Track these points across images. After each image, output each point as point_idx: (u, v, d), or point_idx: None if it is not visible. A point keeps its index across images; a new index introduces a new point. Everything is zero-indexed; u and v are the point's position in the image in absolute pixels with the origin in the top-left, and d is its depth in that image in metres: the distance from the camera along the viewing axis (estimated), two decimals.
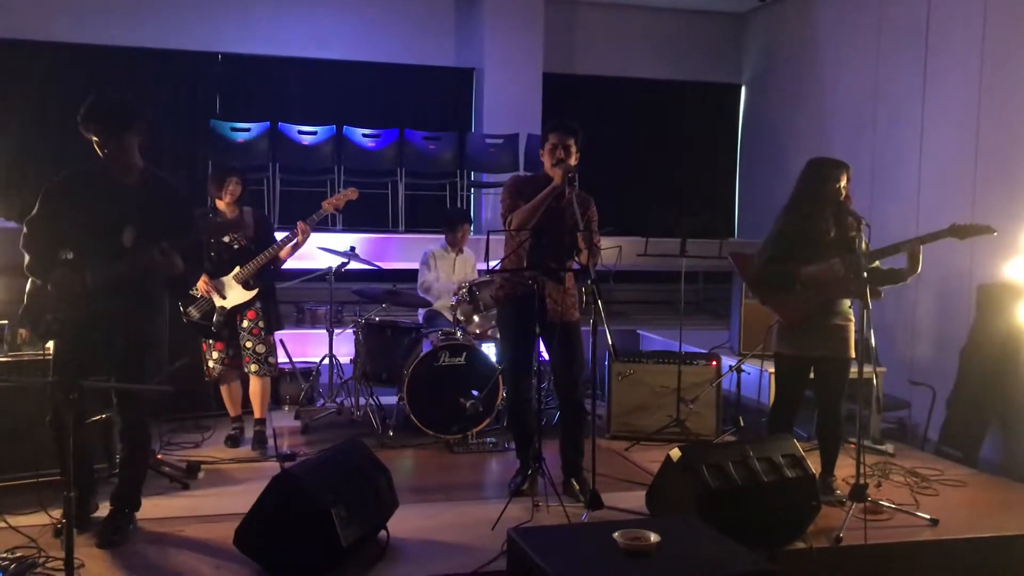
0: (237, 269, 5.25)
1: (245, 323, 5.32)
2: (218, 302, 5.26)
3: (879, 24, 7.35)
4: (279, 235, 5.39)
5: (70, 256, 3.69)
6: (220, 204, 5.29)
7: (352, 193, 5.53)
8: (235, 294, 5.27)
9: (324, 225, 7.85)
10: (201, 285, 5.22)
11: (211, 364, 5.36)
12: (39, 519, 3.93)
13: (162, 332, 4.03)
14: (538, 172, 4.65)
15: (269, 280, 5.43)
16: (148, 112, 3.91)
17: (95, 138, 3.70)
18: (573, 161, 4.43)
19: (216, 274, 5.25)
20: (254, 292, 5.29)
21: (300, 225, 5.27)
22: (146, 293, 3.87)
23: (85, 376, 3.61)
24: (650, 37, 9.54)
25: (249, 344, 5.33)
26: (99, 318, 3.74)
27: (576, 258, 4.42)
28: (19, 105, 7.75)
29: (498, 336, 5.82)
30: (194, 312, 5.29)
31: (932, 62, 6.72)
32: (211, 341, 5.33)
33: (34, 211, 3.77)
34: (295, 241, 5.28)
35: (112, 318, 3.75)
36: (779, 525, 3.91)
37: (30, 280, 3.79)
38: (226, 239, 5.29)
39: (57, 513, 3.91)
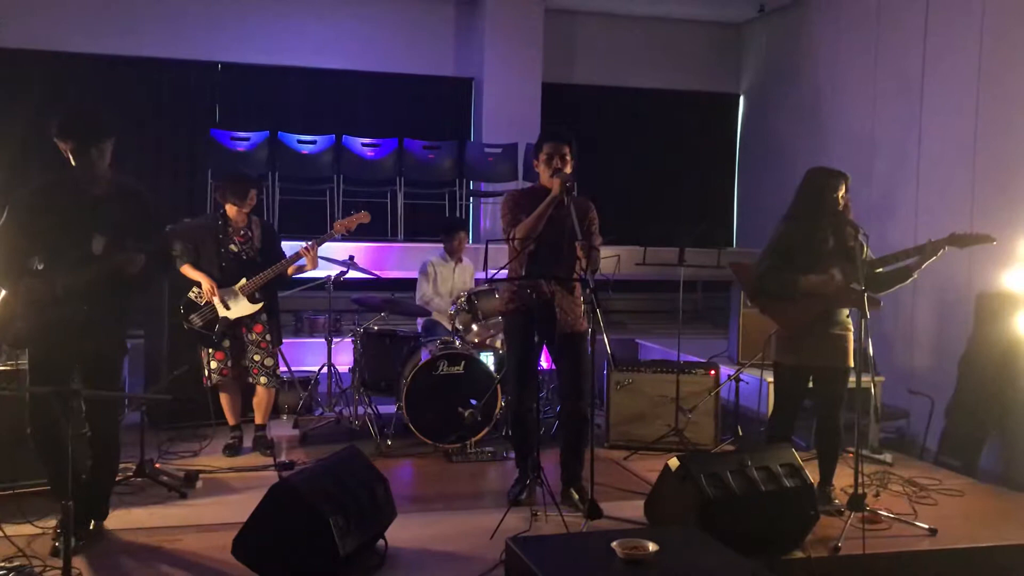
0: (243, 281, 5.25)
1: (253, 336, 5.32)
2: (221, 312, 5.25)
3: (877, 33, 7.38)
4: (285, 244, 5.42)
5: (40, 267, 3.70)
6: (231, 211, 5.28)
7: (364, 216, 5.53)
8: (240, 306, 5.26)
9: (322, 234, 7.87)
10: (208, 292, 5.21)
11: (209, 373, 5.35)
12: (31, 529, 3.93)
13: (125, 340, 4.05)
14: (535, 184, 4.66)
15: (273, 294, 5.43)
16: (119, 122, 3.93)
17: (70, 148, 3.71)
18: (568, 169, 4.43)
19: (222, 283, 5.24)
20: (259, 306, 5.30)
21: (311, 247, 5.28)
22: (114, 301, 3.86)
23: (61, 384, 3.63)
24: (648, 47, 9.58)
25: (258, 357, 5.33)
26: (69, 325, 3.73)
27: (575, 267, 4.43)
28: (18, 114, 7.76)
29: (498, 345, 5.85)
30: (196, 320, 5.29)
31: (930, 72, 6.75)
32: (210, 350, 5.32)
33: (2, 221, 3.76)
34: (302, 262, 5.29)
35: (81, 326, 3.75)
36: (777, 534, 3.91)
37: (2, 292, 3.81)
38: (234, 248, 5.29)
39: (44, 524, 3.93)
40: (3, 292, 3.82)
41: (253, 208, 5.38)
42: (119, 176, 3.91)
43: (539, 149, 4.51)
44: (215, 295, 5.21)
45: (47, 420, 3.74)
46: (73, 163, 3.74)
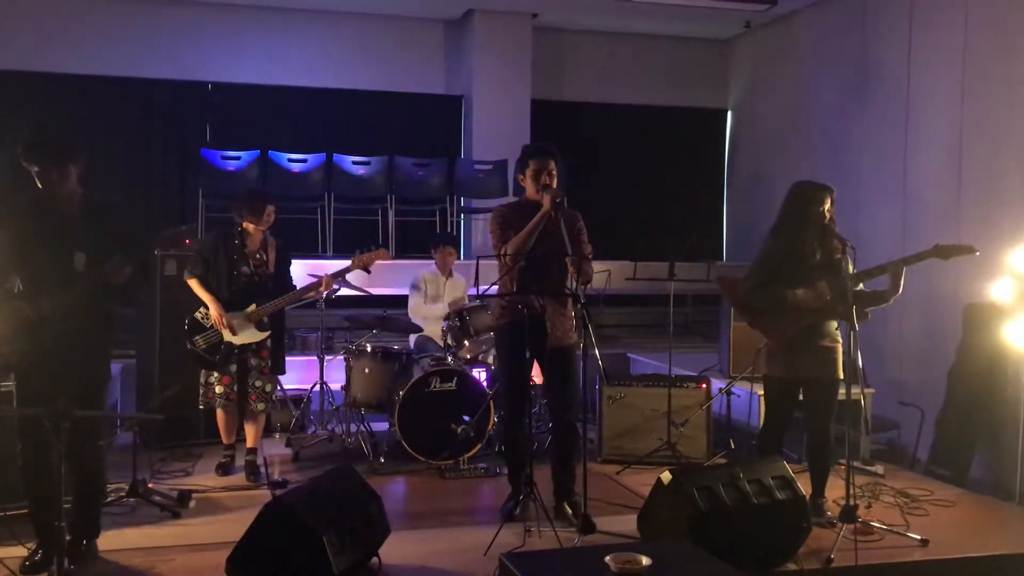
0: (253, 307, 5.19)
1: (255, 361, 5.27)
2: (227, 336, 5.18)
3: (863, 48, 7.46)
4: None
5: (20, 288, 3.71)
6: (249, 228, 5.24)
7: (384, 255, 5.50)
8: (247, 333, 5.20)
9: (314, 252, 7.89)
10: (216, 319, 5.14)
11: (212, 395, 5.27)
12: (23, 551, 3.90)
13: (109, 364, 4.06)
14: (520, 198, 4.68)
15: (281, 320, 5.42)
16: (84, 144, 3.93)
17: (35, 171, 3.73)
18: (555, 183, 4.46)
19: (231, 307, 5.17)
20: (266, 333, 5.24)
21: (328, 279, 5.32)
22: (99, 319, 3.87)
23: (57, 402, 3.63)
24: (637, 63, 9.65)
25: (259, 383, 5.29)
26: (57, 346, 3.73)
27: (567, 281, 4.45)
28: (9, 136, 7.76)
29: (490, 361, 5.86)
30: (201, 342, 5.23)
31: (915, 85, 6.82)
32: (217, 374, 5.24)
33: None
34: (318, 292, 5.34)
35: (68, 345, 3.75)
36: (770, 547, 3.92)
37: None
38: (247, 271, 5.24)
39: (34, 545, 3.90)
40: None
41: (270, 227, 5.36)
42: (92, 193, 3.92)
43: (524, 165, 4.53)
44: (223, 322, 5.14)
45: (37, 442, 3.73)
46: (39, 185, 3.75)
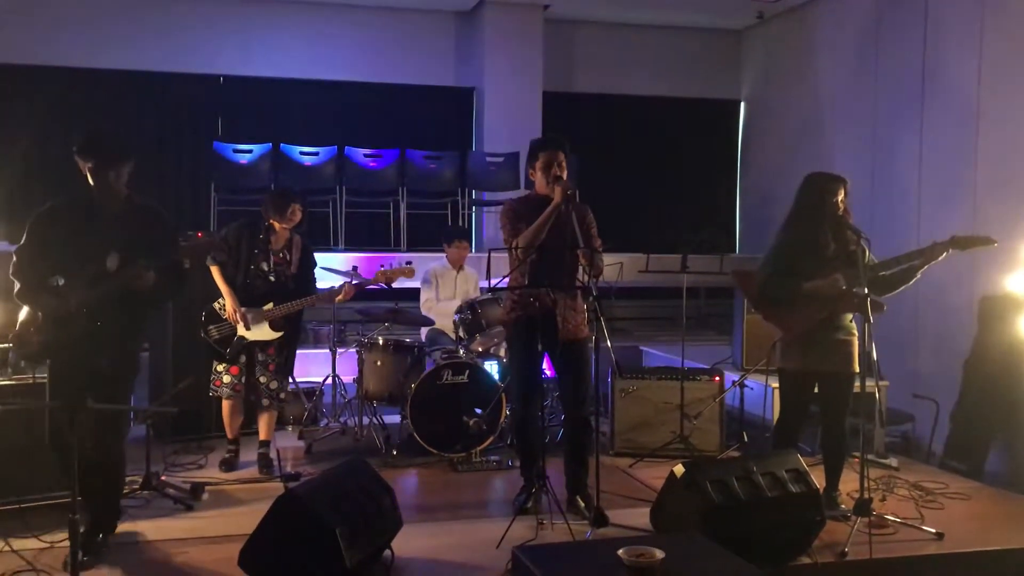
0: (271, 305, 5.18)
1: (261, 356, 5.27)
2: (240, 331, 5.19)
3: (876, 38, 7.40)
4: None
5: (60, 283, 3.75)
6: (275, 225, 5.23)
7: (409, 272, 5.53)
8: (260, 330, 5.19)
9: (326, 245, 7.90)
10: (230, 312, 5.15)
11: (219, 384, 5.27)
12: (37, 543, 3.93)
13: (137, 359, 4.09)
14: (531, 192, 4.66)
15: (297, 323, 5.41)
16: (135, 144, 4.00)
17: (89, 167, 3.79)
18: (564, 175, 4.44)
19: (246, 303, 5.17)
20: (279, 334, 5.24)
21: (350, 287, 5.34)
22: (127, 318, 3.89)
23: (83, 396, 3.65)
24: (648, 55, 9.62)
25: (263, 379, 5.27)
26: (82, 340, 3.77)
27: (579, 274, 4.44)
28: (23, 129, 7.80)
29: (502, 354, 5.86)
30: (214, 332, 5.23)
31: (930, 77, 6.77)
32: (226, 364, 5.25)
33: (22, 240, 3.84)
34: (337, 298, 5.35)
35: (93, 340, 3.78)
36: (784, 540, 3.90)
37: (25, 308, 3.86)
38: (265, 267, 5.24)
39: (50, 538, 3.93)
40: (25, 309, 3.86)
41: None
42: (136, 195, 3.98)
43: (535, 157, 4.50)
44: (236, 316, 5.13)
45: (64, 424, 3.77)
46: (91, 182, 3.82)
